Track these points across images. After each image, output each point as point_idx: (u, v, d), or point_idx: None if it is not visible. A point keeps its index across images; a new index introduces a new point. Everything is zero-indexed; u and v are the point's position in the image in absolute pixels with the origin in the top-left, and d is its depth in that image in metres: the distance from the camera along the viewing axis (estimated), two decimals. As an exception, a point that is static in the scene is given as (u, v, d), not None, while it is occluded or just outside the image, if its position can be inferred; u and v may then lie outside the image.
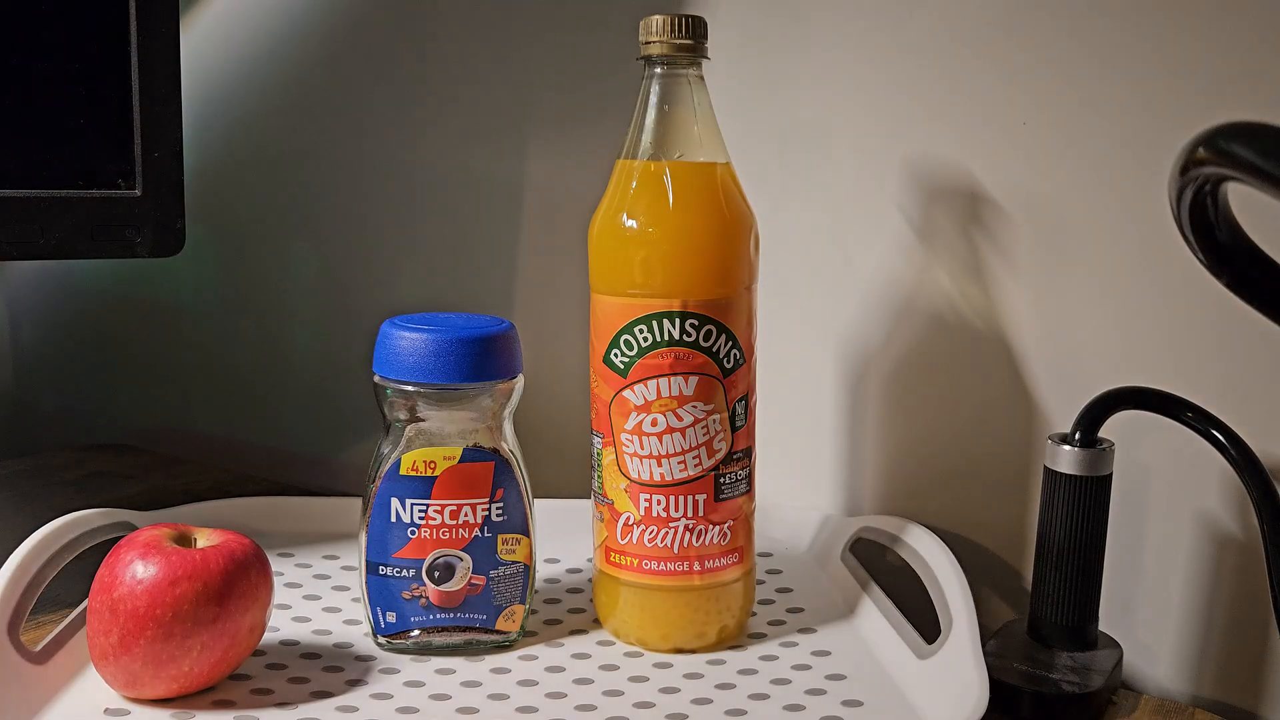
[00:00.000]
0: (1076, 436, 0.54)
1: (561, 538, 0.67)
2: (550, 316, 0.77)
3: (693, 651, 0.55)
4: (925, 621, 0.56)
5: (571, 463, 0.75)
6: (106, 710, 0.48)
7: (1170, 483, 0.58)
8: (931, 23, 0.62)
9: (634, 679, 0.53)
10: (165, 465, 0.91)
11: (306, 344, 0.89)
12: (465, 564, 0.53)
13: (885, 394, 0.66)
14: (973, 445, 0.64)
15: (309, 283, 0.89)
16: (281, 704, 0.49)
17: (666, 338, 0.53)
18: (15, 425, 1.09)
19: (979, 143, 0.61)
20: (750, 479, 0.56)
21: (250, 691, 0.50)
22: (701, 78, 0.54)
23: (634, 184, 0.53)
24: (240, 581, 0.49)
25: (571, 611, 0.60)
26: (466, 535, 0.53)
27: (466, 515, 0.53)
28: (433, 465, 0.52)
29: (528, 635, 0.57)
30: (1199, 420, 0.52)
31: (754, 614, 0.59)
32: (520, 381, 0.55)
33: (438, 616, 0.54)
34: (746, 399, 0.55)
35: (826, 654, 0.55)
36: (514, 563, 0.54)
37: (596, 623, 0.58)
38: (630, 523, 0.55)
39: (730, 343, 0.53)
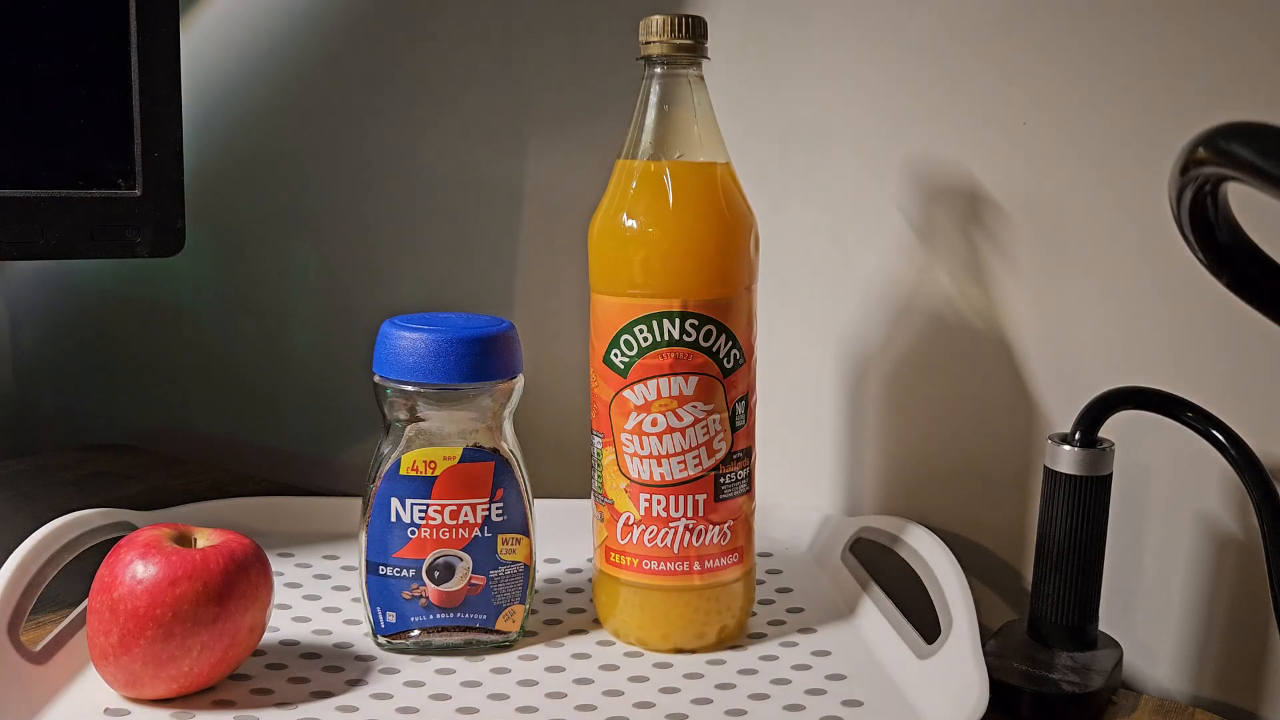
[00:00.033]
0: (1076, 436, 0.54)
1: (561, 538, 0.67)
2: (550, 316, 0.77)
3: (693, 651, 0.55)
4: (925, 621, 0.56)
5: (571, 463, 0.75)
6: (106, 710, 0.48)
7: (1170, 483, 0.58)
8: (931, 23, 0.62)
9: (634, 679, 0.53)
10: (165, 465, 0.91)
11: (306, 344, 0.90)
12: (465, 564, 0.53)
13: (885, 394, 0.66)
14: (973, 445, 0.64)
15: (309, 283, 0.89)
16: (281, 704, 0.49)
17: (666, 338, 0.53)
18: (15, 425, 1.09)
19: (979, 143, 0.61)
20: (750, 479, 0.56)
21: (250, 691, 0.50)
22: (701, 78, 0.54)
23: (634, 184, 0.53)
24: (240, 581, 0.49)
25: (571, 611, 0.60)
26: (466, 535, 0.53)
27: (466, 515, 0.53)
28: (433, 465, 0.52)
29: (528, 635, 0.57)
30: (1199, 420, 0.52)
31: (754, 614, 0.59)
32: (520, 381, 0.55)
33: (438, 616, 0.54)
34: (746, 399, 0.55)
35: (826, 654, 0.55)
36: (514, 563, 0.54)
37: (596, 623, 0.58)
38: (630, 523, 0.55)
39: (730, 343, 0.53)
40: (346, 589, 0.62)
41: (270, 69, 0.87)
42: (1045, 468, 0.55)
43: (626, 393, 0.53)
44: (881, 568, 0.63)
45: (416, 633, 0.54)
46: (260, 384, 0.92)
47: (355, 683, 0.51)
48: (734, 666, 0.54)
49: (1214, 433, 0.52)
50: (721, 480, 0.54)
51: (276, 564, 0.65)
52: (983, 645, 0.52)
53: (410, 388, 0.52)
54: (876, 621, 0.57)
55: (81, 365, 1.04)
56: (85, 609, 0.53)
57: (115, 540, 0.53)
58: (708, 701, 0.50)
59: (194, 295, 0.96)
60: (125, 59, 0.60)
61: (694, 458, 0.53)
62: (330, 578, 0.64)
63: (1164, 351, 0.57)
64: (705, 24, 0.53)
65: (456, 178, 0.80)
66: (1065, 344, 0.60)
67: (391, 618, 0.54)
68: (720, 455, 0.54)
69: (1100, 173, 0.58)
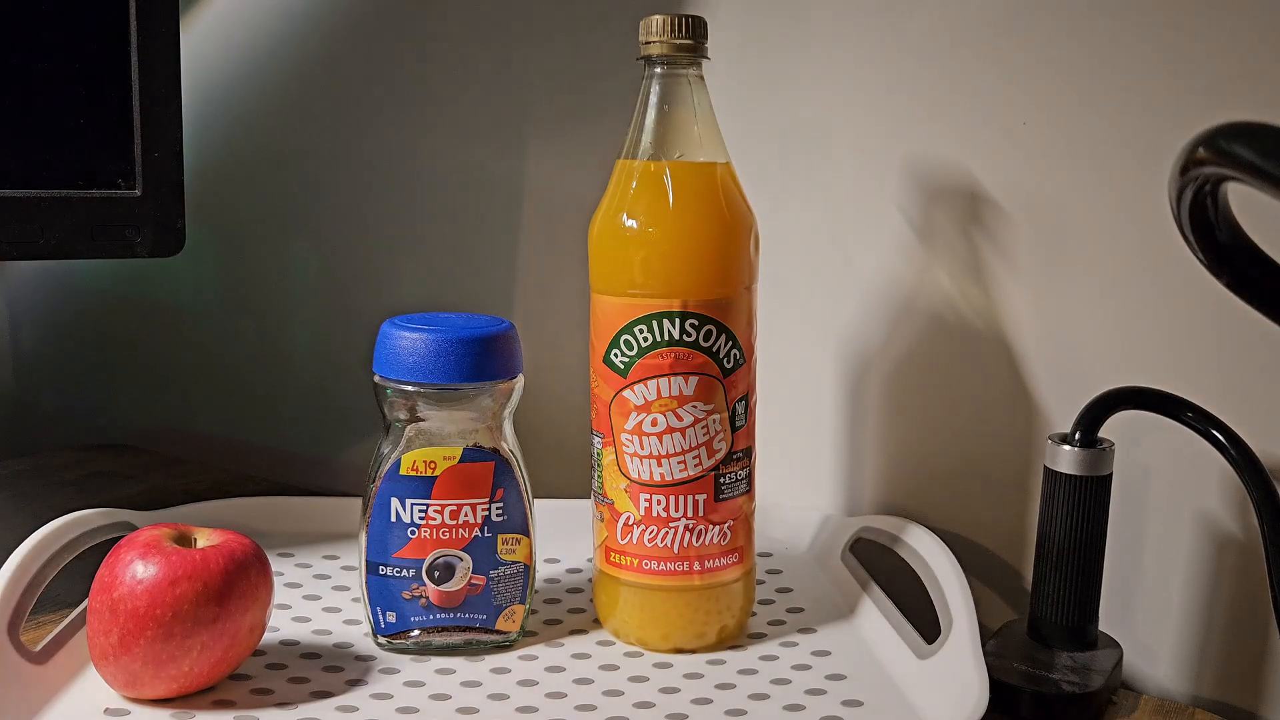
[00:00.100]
0: (1076, 436, 0.54)
1: (561, 538, 0.66)
2: (550, 316, 0.77)
3: (693, 651, 0.55)
4: (925, 621, 0.56)
5: (571, 463, 0.75)
6: (106, 710, 0.48)
7: (1170, 483, 0.58)
8: (931, 23, 0.62)
9: (634, 679, 0.53)
10: (165, 465, 0.91)
11: (306, 344, 0.89)
12: (465, 564, 0.53)
13: (885, 394, 0.66)
14: (973, 445, 0.64)
15: (309, 283, 0.89)
16: (281, 704, 0.49)
17: (666, 338, 0.53)
18: (15, 425, 1.09)
19: (979, 143, 0.61)
20: (750, 479, 0.56)
21: (250, 691, 0.50)
22: (701, 78, 0.54)
23: (634, 184, 0.53)
24: (240, 581, 0.49)
25: (571, 611, 0.60)
26: (466, 535, 0.53)
27: (466, 515, 0.53)
28: (433, 465, 0.52)
29: (528, 635, 0.57)
30: (1199, 420, 0.52)
31: (754, 614, 0.59)
32: (520, 381, 0.55)
33: (438, 616, 0.54)
34: (746, 399, 0.55)
35: (826, 654, 0.55)
36: (514, 563, 0.54)
37: (596, 623, 0.58)
38: (630, 523, 0.55)
39: (730, 343, 0.53)
40: (346, 589, 0.62)
41: (270, 69, 0.87)
42: (1045, 468, 0.55)
43: (626, 393, 0.53)
44: (881, 568, 0.63)
45: (416, 633, 0.54)
46: (260, 384, 0.92)
47: (355, 683, 0.51)
48: (734, 666, 0.54)
49: (1214, 433, 0.52)
50: (721, 480, 0.54)
51: (276, 564, 0.65)
52: (983, 645, 0.52)
53: (410, 388, 0.52)
54: (876, 621, 0.57)
55: (81, 365, 1.05)
56: (85, 609, 0.53)
57: (115, 540, 0.54)
58: (708, 701, 0.50)
59: (194, 295, 0.96)
60: (125, 59, 0.60)
61: (694, 458, 0.53)
62: (330, 578, 0.64)
63: (1164, 351, 0.57)
64: (705, 24, 0.53)
65: (456, 178, 0.80)
66: (1065, 344, 0.60)
67: (391, 618, 0.54)
68: (720, 455, 0.54)
69: (1100, 173, 0.58)
